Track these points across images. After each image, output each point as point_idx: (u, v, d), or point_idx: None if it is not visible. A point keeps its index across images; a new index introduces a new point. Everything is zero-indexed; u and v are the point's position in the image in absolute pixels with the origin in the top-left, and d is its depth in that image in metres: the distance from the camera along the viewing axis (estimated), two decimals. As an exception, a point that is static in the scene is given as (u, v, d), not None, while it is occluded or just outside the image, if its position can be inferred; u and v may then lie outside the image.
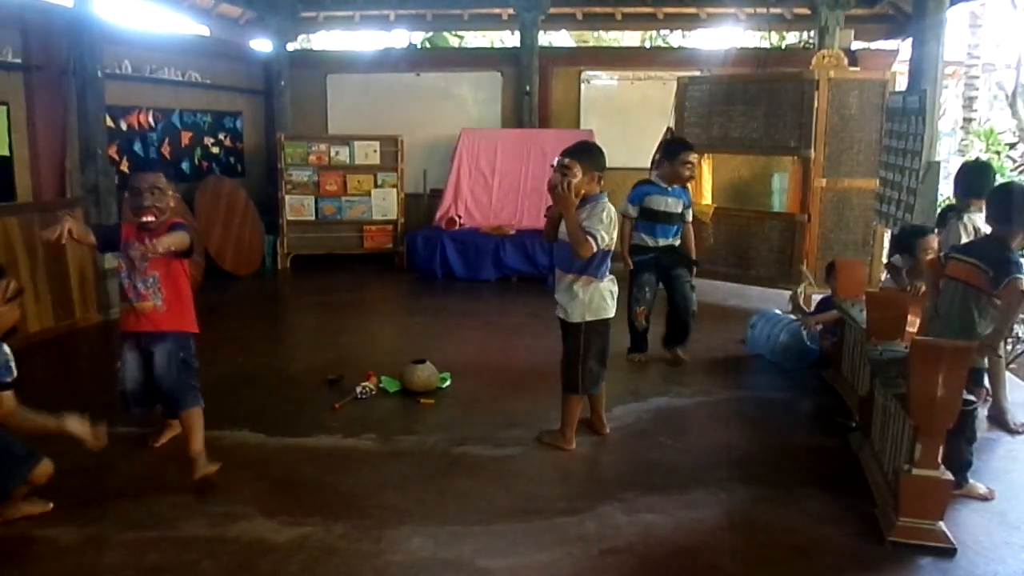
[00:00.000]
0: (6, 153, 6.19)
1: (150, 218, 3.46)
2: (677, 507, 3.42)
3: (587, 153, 3.79)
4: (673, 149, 5.33)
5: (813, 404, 4.86)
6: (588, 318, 3.83)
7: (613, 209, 3.81)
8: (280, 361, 5.56)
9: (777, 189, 7.42)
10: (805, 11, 9.02)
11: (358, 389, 4.75)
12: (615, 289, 3.95)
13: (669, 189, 5.25)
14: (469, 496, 3.51)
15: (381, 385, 4.85)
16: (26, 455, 3.21)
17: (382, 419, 4.44)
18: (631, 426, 4.38)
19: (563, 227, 3.79)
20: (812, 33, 9.58)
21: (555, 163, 3.77)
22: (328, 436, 4.19)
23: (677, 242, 5.36)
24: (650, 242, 5.27)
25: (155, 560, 2.99)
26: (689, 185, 7.27)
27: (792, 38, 12.38)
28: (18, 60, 6.23)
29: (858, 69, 6.89)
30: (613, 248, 3.85)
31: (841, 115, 6.51)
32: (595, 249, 3.68)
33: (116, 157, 7.35)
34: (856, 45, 9.29)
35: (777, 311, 5.79)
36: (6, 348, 2.88)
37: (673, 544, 3.14)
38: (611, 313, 3.91)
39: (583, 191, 3.72)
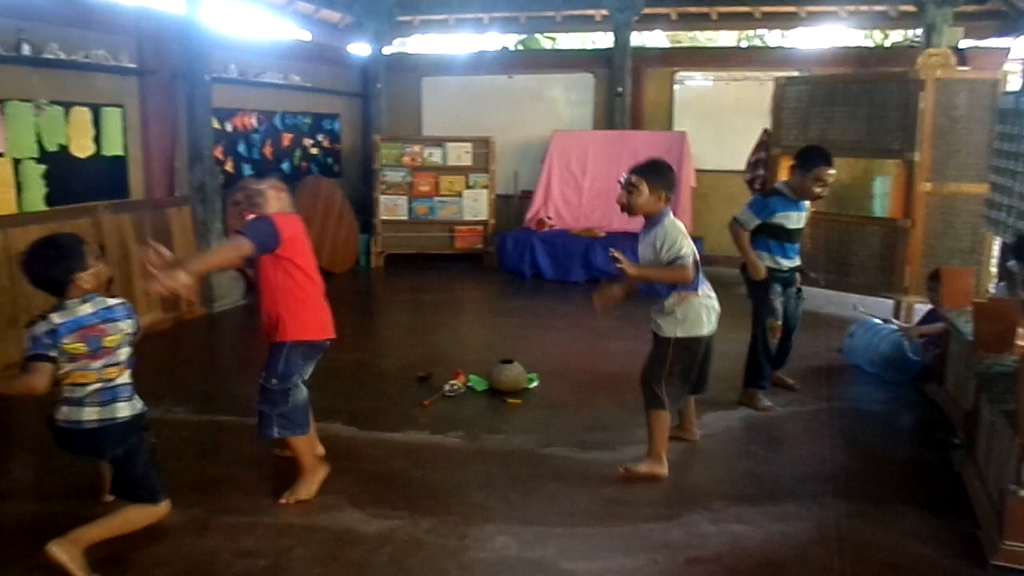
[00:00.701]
0: (121, 153, 6.54)
1: (250, 218, 3.40)
2: (767, 519, 3.35)
3: (656, 171, 3.62)
4: (809, 157, 4.49)
5: (913, 418, 4.67)
6: (679, 334, 3.66)
7: (679, 224, 3.64)
8: (372, 356, 5.69)
9: (879, 193, 7.14)
10: (911, 8, 8.66)
11: (446, 387, 4.83)
12: (713, 305, 3.74)
13: (799, 203, 4.58)
14: (554, 498, 3.52)
15: (469, 384, 4.91)
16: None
17: (469, 417, 4.50)
18: (720, 434, 4.31)
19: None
20: (918, 31, 9.20)
21: (622, 180, 3.65)
22: (417, 432, 4.27)
23: (799, 261, 4.74)
24: (784, 263, 4.59)
25: (251, 545, 3.11)
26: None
27: (897, 36, 11.93)
28: (133, 65, 6.57)
29: (967, 68, 6.58)
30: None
31: (948, 116, 6.23)
32: (691, 266, 3.55)
33: (221, 157, 7.67)
34: (965, 43, 8.88)
35: (877, 320, 5.59)
36: (53, 320, 2.78)
37: (762, 556, 3.08)
38: (705, 331, 3.70)
39: (648, 209, 3.62)
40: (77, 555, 2.80)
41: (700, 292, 3.68)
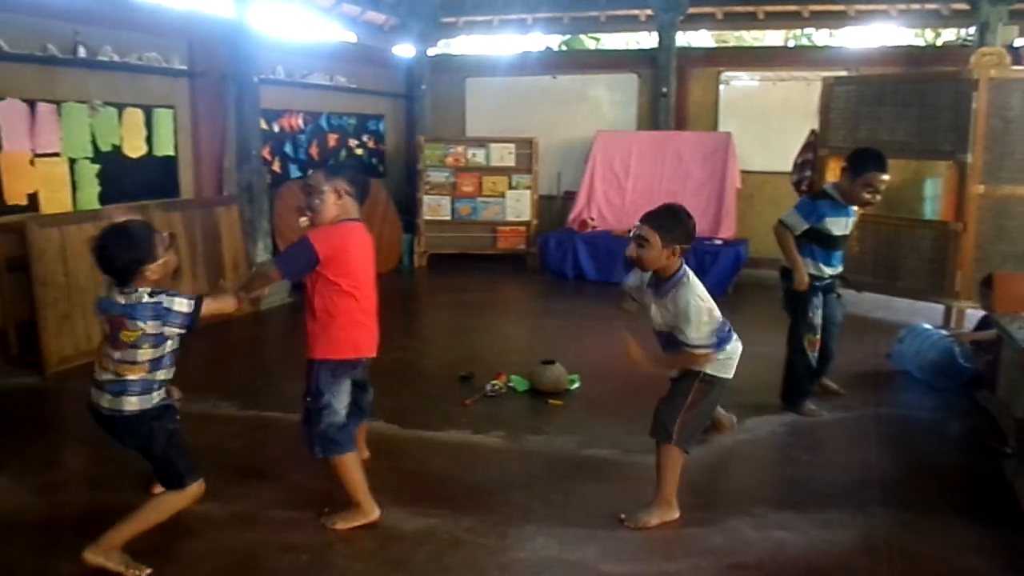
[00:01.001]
0: (172, 153, 6.69)
1: (303, 220, 3.29)
2: (811, 526, 3.30)
3: (670, 222, 3.18)
4: (861, 161, 4.23)
5: (963, 426, 4.57)
6: (708, 370, 3.29)
7: (698, 290, 3.21)
8: (414, 356, 5.73)
9: (929, 196, 7.00)
10: (964, 6, 8.48)
11: (488, 387, 4.85)
12: (739, 348, 3.37)
13: (848, 208, 4.35)
14: (594, 499, 3.51)
15: (511, 384, 4.92)
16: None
17: (511, 417, 4.51)
18: (764, 439, 4.25)
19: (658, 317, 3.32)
20: (971, 29, 9.00)
21: (631, 232, 3.26)
22: (458, 431, 4.29)
23: (842, 267, 4.54)
24: (827, 271, 4.39)
25: (294, 539, 3.15)
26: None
27: (949, 35, 11.68)
28: (184, 67, 6.72)
29: (1023, 68, 6.41)
30: (722, 320, 3.28)
31: (1002, 117, 6.07)
32: (711, 352, 3.20)
33: (268, 157, 7.79)
34: (1020, 42, 8.65)
35: (927, 325, 5.48)
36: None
37: (805, 564, 3.03)
38: (731, 374, 3.36)
39: (661, 265, 3.20)
40: (114, 554, 2.85)
41: (732, 343, 3.33)
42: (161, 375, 2.91)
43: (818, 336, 4.46)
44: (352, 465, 3.25)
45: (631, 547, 3.13)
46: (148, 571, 2.88)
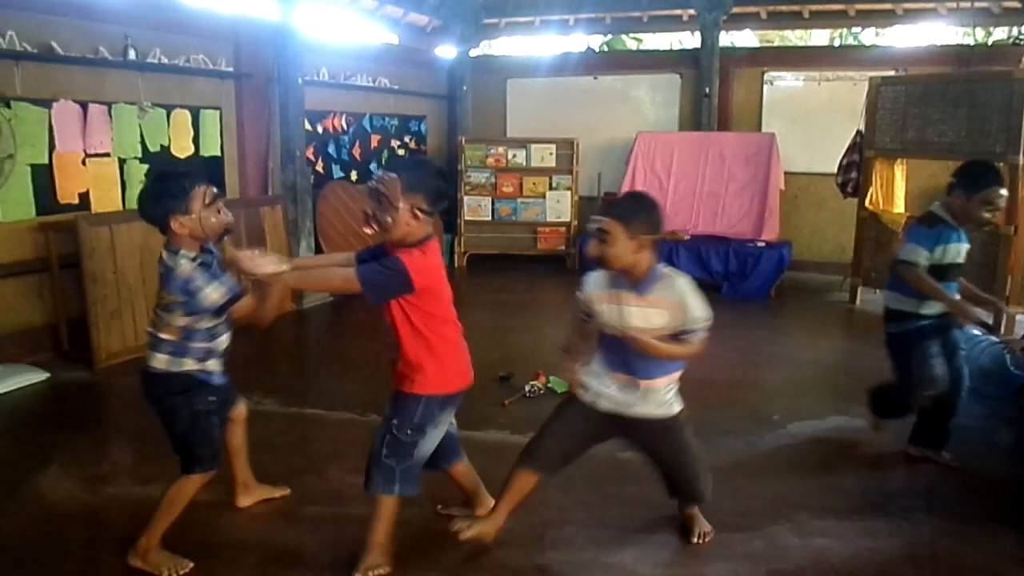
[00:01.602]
0: (218, 154, 6.80)
1: (368, 231, 2.80)
2: (854, 534, 3.25)
3: (632, 209, 2.85)
4: (977, 176, 3.68)
5: (1014, 435, 4.45)
6: (681, 404, 3.05)
7: (683, 281, 2.94)
8: (453, 356, 5.75)
9: (979, 198, 6.85)
10: (1015, 4, 8.27)
11: (527, 387, 4.85)
12: None
13: (961, 232, 3.74)
14: (633, 502, 3.50)
15: (549, 385, 4.92)
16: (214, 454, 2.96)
17: (549, 419, 4.49)
18: (807, 444, 4.20)
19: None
20: (1023, 28, 8.78)
21: (589, 225, 2.95)
22: (497, 431, 4.31)
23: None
24: (928, 312, 3.71)
25: (333, 535, 3.19)
26: (881, 191, 6.72)
27: (1000, 34, 11.40)
28: (230, 69, 6.82)
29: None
30: None
31: (1057, 118, 5.92)
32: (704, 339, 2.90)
33: (312, 158, 7.89)
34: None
35: (977, 331, 5.35)
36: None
37: (847, 572, 2.98)
38: None
39: (628, 262, 2.84)
40: (152, 555, 2.87)
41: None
42: (199, 344, 2.81)
43: (936, 391, 3.75)
44: (395, 509, 2.96)
45: (669, 550, 3.12)
46: (190, 565, 2.91)
